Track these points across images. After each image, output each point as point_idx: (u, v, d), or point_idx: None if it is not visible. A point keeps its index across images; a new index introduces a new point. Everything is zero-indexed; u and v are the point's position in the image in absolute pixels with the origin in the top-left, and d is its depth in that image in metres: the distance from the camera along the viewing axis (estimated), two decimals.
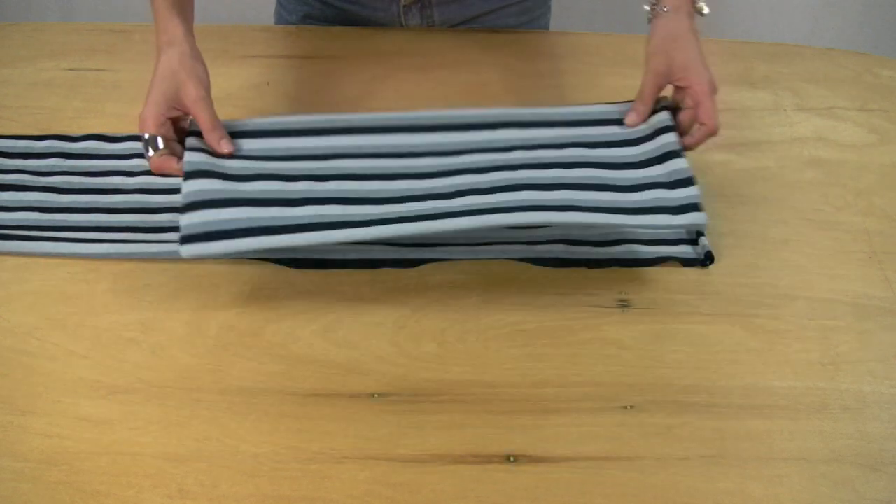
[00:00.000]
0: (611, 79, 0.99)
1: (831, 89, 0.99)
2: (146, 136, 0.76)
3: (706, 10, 0.82)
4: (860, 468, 0.64)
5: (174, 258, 0.77)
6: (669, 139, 0.79)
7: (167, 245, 0.78)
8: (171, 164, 0.76)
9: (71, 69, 0.98)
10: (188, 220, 0.71)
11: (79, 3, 1.82)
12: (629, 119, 0.81)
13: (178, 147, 0.77)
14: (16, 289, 0.75)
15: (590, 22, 1.84)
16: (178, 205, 0.75)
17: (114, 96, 0.95)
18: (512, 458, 0.64)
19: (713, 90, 0.78)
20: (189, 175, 0.74)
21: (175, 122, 0.78)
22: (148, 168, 0.79)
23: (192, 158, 0.75)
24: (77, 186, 0.84)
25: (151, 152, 0.76)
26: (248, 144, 0.78)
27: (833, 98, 0.98)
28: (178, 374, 0.69)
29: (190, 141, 0.77)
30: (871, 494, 0.63)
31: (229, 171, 0.75)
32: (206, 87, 0.78)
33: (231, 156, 0.77)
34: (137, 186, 0.84)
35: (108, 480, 0.62)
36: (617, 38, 1.07)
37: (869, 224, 0.83)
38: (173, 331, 0.72)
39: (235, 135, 0.79)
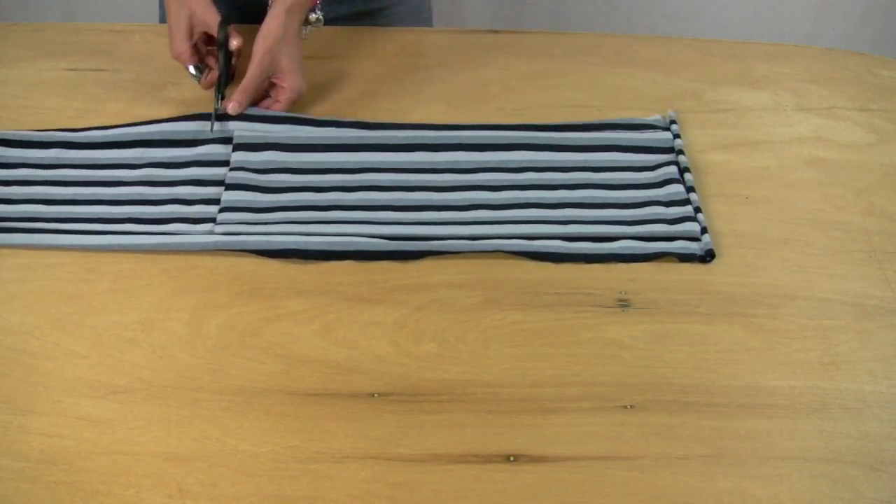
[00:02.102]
0: (611, 79, 0.99)
1: (831, 89, 0.99)
2: (191, 69, 0.92)
3: (312, 17, 0.94)
4: (860, 468, 0.64)
5: (174, 253, 0.78)
6: (670, 171, 0.86)
7: (170, 237, 0.79)
8: (215, 75, 0.92)
9: (71, 69, 0.98)
10: (224, 217, 0.80)
11: (79, 3, 1.82)
12: (231, 108, 0.89)
13: (211, 59, 0.93)
14: (16, 289, 0.75)
15: (590, 22, 1.84)
16: (181, 197, 0.83)
17: (114, 96, 0.95)
18: (512, 458, 0.64)
19: (298, 97, 0.92)
20: (230, 187, 0.83)
21: (200, 37, 0.92)
22: (151, 161, 0.86)
23: (235, 174, 0.84)
24: (80, 179, 0.85)
25: (199, 79, 0.93)
26: (284, 157, 0.86)
27: (833, 98, 0.98)
28: (178, 374, 0.69)
29: (234, 158, 0.86)
30: (870, 494, 0.63)
31: (267, 185, 0.84)
32: (213, 5, 0.91)
33: (268, 170, 0.86)
34: (140, 179, 0.85)
35: (108, 480, 0.62)
36: (617, 38, 1.07)
37: (869, 224, 0.83)
38: (173, 331, 0.72)
39: (274, 147, 0.87)
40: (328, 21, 0.97)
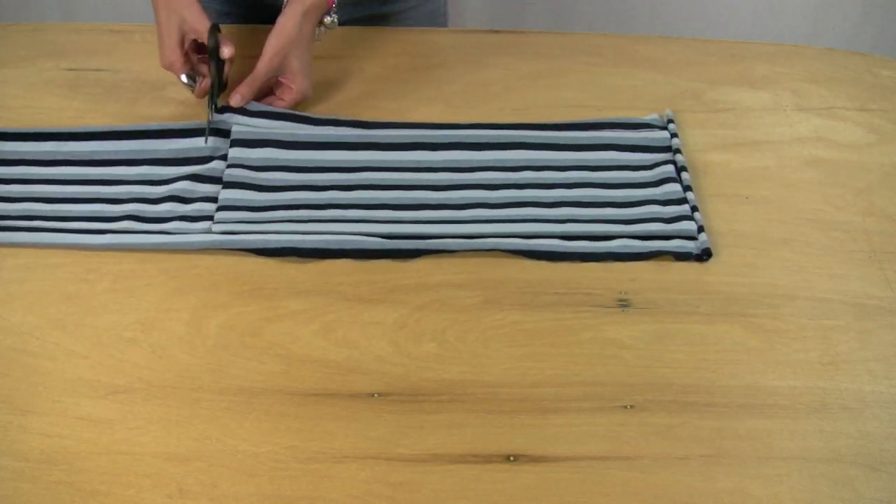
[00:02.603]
0: (611, 79, 0.99)
1: (831, 89, 0.99)
2: (183, 77, 0.89)
3: (327, 20, 0.94)
4: (860, 467, 0.64)
5: (174, 253, 0.78)
6: (667, 170, 0.86)
7: (169, 237, 0.79)
8: (208, 83, 0.89)
9: (71, 69, 0.98)
10: (222, 216, 0.80)
11: (79, 3, 1.82)
12: (233, 99, 0.89)
13: (204, 67, 0.91)
14: (16, 289, 0.75)
15: (590, 22, 1.84)
16: (179, 194, 0.83)
17: (114, 96, 0.95)
18: (512, 458, 0.64)
19: (303, 99, 0.92)
20: (227, 185, 0.83)
21: (192, 45, 0.90)
22: (151, 157, 0.87)
23: (232, 172, 0.84)
24: (80, 177, 0.85)
25: (192, 87, 0.90)
26: (282, 154, 0.86)
27: (833, 98, 0.98)
28: (178, 374, 0.69)
29: (232, 154, 0.86)
30: (870, 494, 0.63)
31: (264, 183, 0.84)
32: (204, 12, 0.89)
33: (266, 168, 0.85)
34: (139, 177, 0.85)
35: (108, 480, 0.62)
36: (617, 38, 1.07)
37: (869, 224, 0.83)
38: (173, 331, 0.72)
39: (271, 144, 0.87)
40: (341, 24, 0.97)
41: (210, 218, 0.81)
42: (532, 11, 1.83)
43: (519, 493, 0.62)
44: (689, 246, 0.79)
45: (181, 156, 0.87)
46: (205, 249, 0.78)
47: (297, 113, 0.91)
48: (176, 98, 0.94)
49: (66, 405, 0.67)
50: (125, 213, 0.81)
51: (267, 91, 0.93)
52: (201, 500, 0.61)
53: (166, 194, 0.83)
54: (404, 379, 0.69)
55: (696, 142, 0.91)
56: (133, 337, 0.72)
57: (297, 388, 0.68)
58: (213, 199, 0.82)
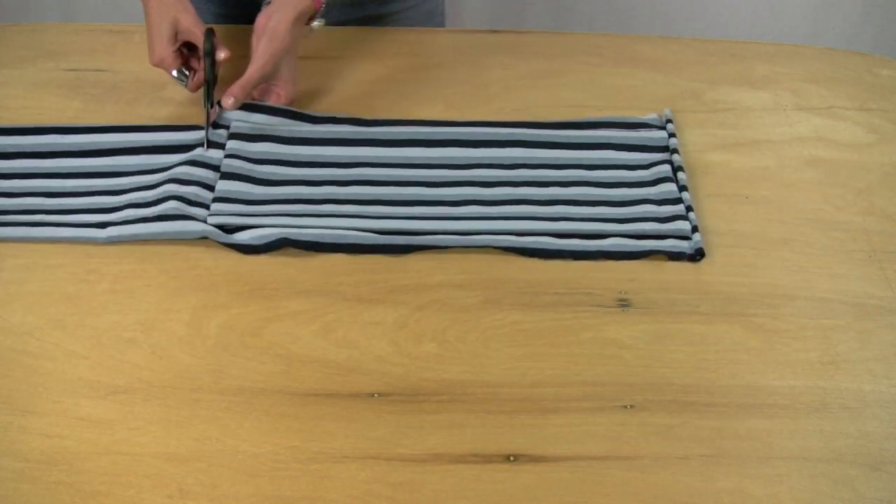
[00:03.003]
0: (611, 79, 0.99)
1: (831, 89, 0.99)
2: (174, 73, 0.89)
3: (315, 24, 0.93)
4: (860, 467, 0.64)
5: (174, 253, 0.78)
6: (664, 170, 0.86)
7: (166, 224, 0.79)
8: (201, 76, 0.89)
9: (71, 69, 0.98)
10: (217, 208, 0.81)
11: (79, 3, 1.82)
12: (226, 102, 0.87)
13: (195, 62, 0.91)
14: (16, 289, 0.75)
15: (590, 22, 1.84)
16: (178, 177, 0.83)
17: (114, 96, 0.95)
18: (512, 458, 0.64)
19: (289, 105, 0.92)
20: (224, 175, 0.84)
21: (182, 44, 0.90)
22: (150, 145, 0.87)
23: (230, 162, 0.85)
24: (80, 170, 0.85)
25: (184, 82, 0.90)
26: (280, 149, 0.87)
27: (833, 98, 0.98)
28: (178, 374, 0.69)
29: (229, 145, 0.86)
30: (870, 494, 0.63)
31: (261, 176, 0.84)
32: (198, 16, 0.89)
33: (263, 161, 0.86)
34: (139, 167, 0.85)
35: (108, 480, 0.62)
36: (617, 38, 1.07)
37: (869, 224, 0.83)
38: (173, 331, 0.72)
39: (269, 139, 0.88)
40: (339, 24, 0.96)
41: (206, 206, 0.81)
42: (532, 11, 1.83)
43: (519, 493, 0.62)
44: (682, 245, 0.79)
45: (180, 143, 0.87)
46: (205, 249, 0.78)
47: (296, 110, 0.91)
48: (176, 98, 0.94)
49: (66, 405, 0.67)
50: (125, 203, 0.81)
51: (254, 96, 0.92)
52: (201, 500, 0.61)
53: (165, 178, 0.83)
54: (404, 379, 0.69)
55: (695, 142, 0.91)
56: (133, 337, 0.72)
57: (297, 389, 0.68)
58: (210, 187, 0.83)
